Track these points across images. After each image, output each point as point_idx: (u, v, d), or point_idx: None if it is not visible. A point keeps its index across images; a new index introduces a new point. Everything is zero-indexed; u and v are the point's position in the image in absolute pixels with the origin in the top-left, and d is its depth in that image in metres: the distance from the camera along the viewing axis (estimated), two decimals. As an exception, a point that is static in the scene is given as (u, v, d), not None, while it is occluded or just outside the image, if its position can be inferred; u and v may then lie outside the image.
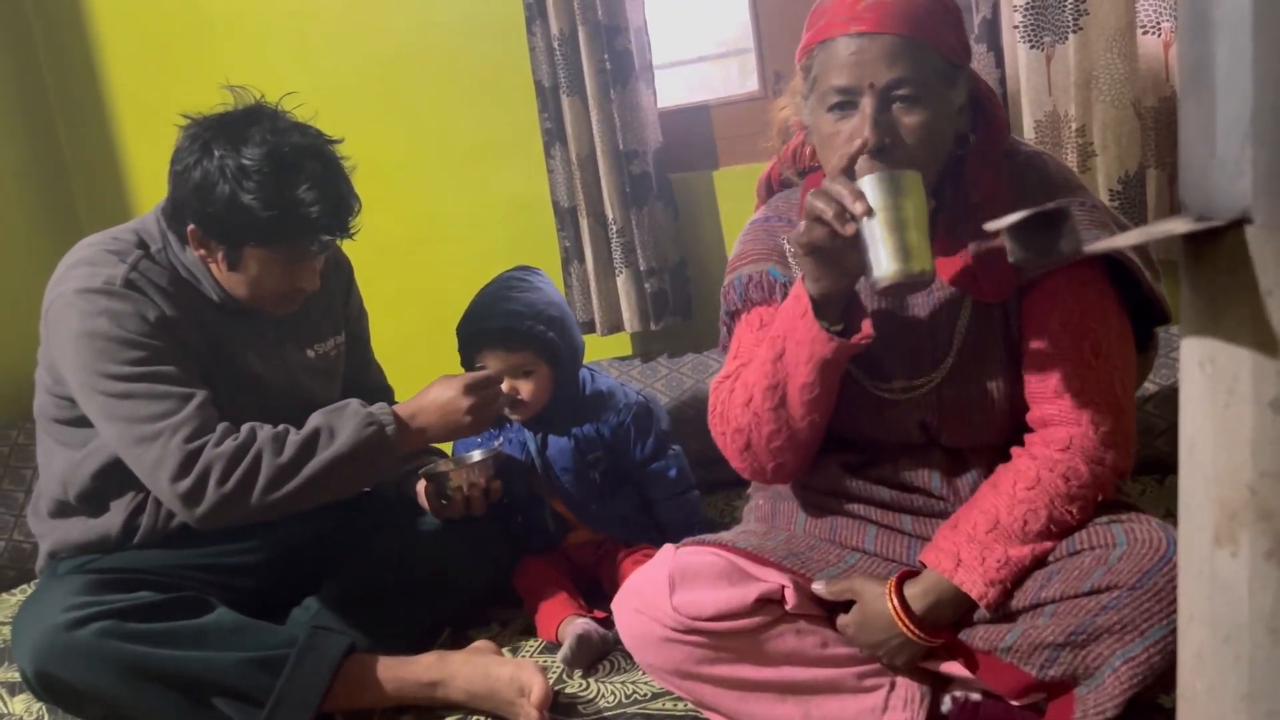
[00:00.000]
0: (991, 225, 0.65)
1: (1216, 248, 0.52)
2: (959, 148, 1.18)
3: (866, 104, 1.10)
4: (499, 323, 1.69)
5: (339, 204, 1.47)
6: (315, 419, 1.48)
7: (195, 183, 1.43)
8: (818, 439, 1.26)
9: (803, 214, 1.09)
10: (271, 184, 1.41)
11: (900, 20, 1.09)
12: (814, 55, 1.15)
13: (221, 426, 1.43)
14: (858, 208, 1.04)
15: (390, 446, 1.47)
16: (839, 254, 1.09)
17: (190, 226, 1.46)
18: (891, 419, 1.25)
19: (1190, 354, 0.55)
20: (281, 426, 1.46)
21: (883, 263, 1.04)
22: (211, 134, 1.45)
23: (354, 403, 1.51)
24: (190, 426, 1.40)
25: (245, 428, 1.45)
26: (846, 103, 1.12)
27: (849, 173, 1.13)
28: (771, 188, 1.40)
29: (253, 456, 1.41)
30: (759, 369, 1.21)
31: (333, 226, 1.47)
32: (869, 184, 1.04)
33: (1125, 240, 0.53)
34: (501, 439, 1.78)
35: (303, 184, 1.43)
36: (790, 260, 1.29)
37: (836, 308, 1.15)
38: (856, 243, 1.06)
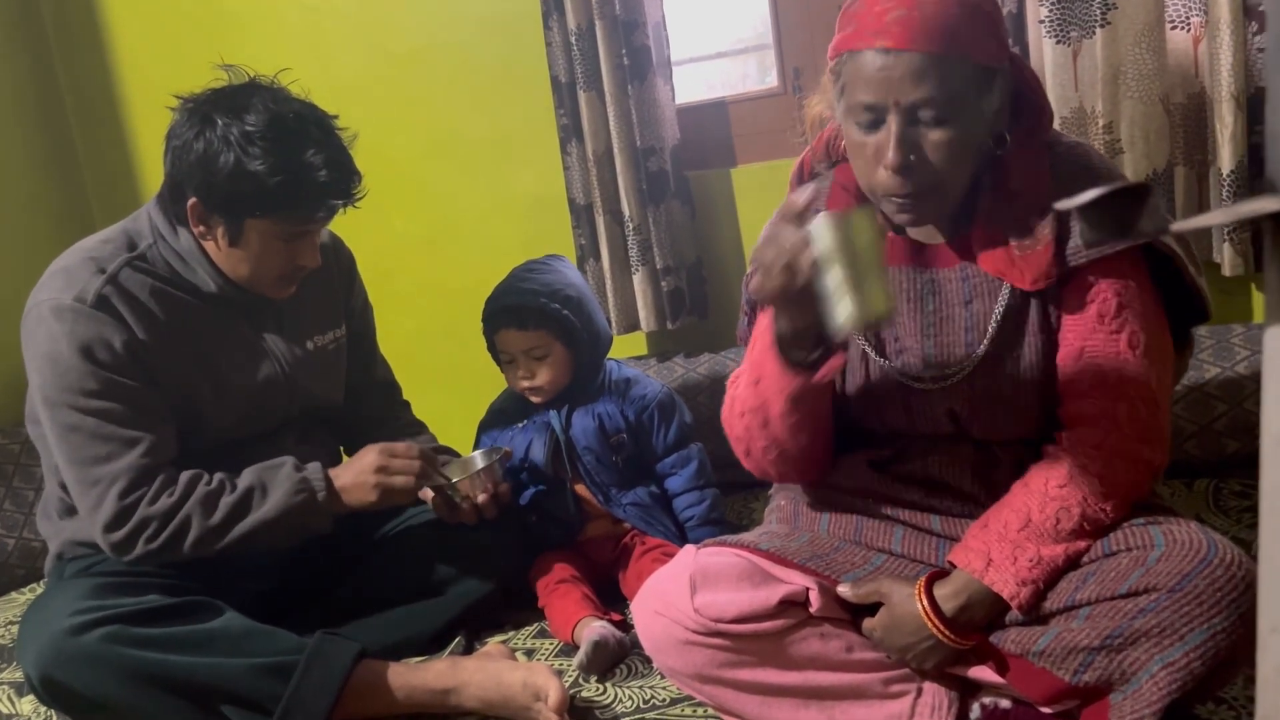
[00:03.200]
0: (1063, 204, 0.62)
1: (1309, 228, 0.49)
2: (998, 147, 1.15)
3: (892, 122, 1.09)
4: (514, 301, 1.70)
5: (346, 169, 1.46)
6: (249, 477, 1.48)
7: (198, 154, 1.41)
8: (816, 454, 1.26)
9: (755, 262, 1.08)
10: (278, 149, 1.40)
11: (928, 35, 1.05)
12: (843, 62, 1.13)
13: (160, 479, 1.44)
14: (804, 262, 1.02)
15: (319, 511, 1.49)
16: (797, 299, 1.07)
17: (191, 201, 1.44)
18: (921, 409, 1.23)
19: (1277, 344, 0.51)
20: (218, 482, 1.47)
21: (838, 311, 1.02)
22: (210, 106, 1.43)
23: (289, 463, 1.51)
24: (127, 478, 1.42)
25: (183, 481, 1.45)
26: (874, 120, 1.10)
27: (874, 189, 1.14)
28: (803, 178, 1.37)
29: (183, 517, 1.43)
30: (745, 388, 1.22)
31: (340, 191, 1.46)
32: (820, 226, 1.02)
33: (1210, 220, 0.50)
34: (526, 421, 1.77)
35: (309, 148, 1.42)
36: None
37: (806, 343, 1.13)
38: (812, 288, 1.04)
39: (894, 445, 1.27)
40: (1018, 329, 1.18)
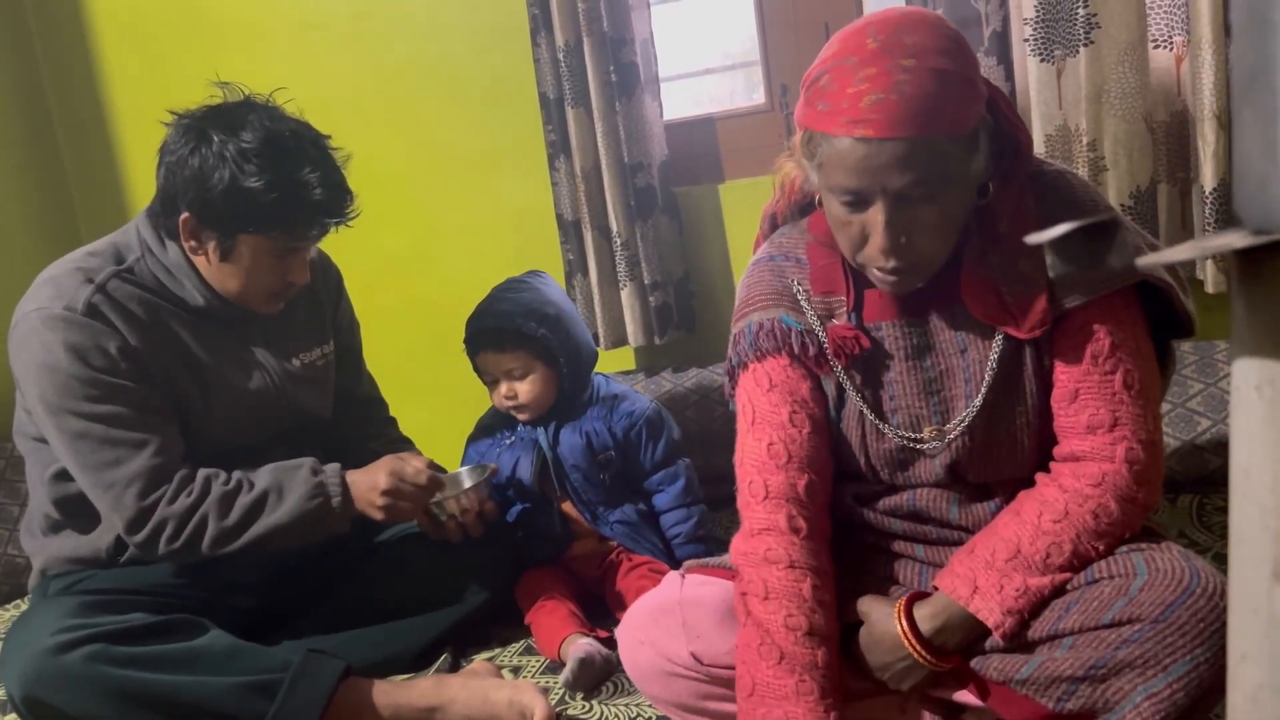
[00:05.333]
0: (1033, 238, 0.62)
1: (1276, 263, 0.49)
2: (981, 197, 1.11)
3: (880, 209, 1.04)
4: (490, 323, 1.70)
5: (340, 188, 1.47)
6: (266, 477, 1.49)
7: (193, 169, 1.41)
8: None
9: None
10: (274, 167, 1.40)
11: (908, 120, 0.99)
12: (817, 144, 1.06)
13: (178, 478, 1.45)
14: None
15: (334, 516, 1.50)
16: None
17: (184, 215, 1.44)
18: (918, 466, 1.19)
19: (1245, 377, 0.52)
20: (235, 482, 1.47)
21: None
22: (206, 122, 1.43)
23: (307, 466, 1.51)
24: (144, 480, 1.43)
25: (199, 480, 1.46)
26: (857, 201, 1.06)
27: (859, 262, 1.11)
28: (776, 222, 1.32)
29: (199, 518, 1.44)
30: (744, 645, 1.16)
31: (335, 210, 1.47)
32: None
33: (1177, 254, 0.50)
34: (513, 438, 1.76)
35: (305, 166, 1.42)
36: (803, 305, 1.20)
37: None
38: None
39: (881, 482, 1.24)
40: (1013, 375, 1.15)
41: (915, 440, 1.18)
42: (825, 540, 1.19)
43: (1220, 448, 1.72)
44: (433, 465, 1.77)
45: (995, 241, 1.12)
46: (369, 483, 1.52)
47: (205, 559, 1.47)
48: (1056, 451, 1.16)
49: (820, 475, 1.19)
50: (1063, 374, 1.13)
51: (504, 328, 1.68)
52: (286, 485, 1.48)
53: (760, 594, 1.14)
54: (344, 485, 1.50)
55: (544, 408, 1.73)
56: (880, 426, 1.18)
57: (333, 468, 1.52)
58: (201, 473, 1.46)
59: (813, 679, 1.10)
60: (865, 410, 1.18)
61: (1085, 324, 1.11)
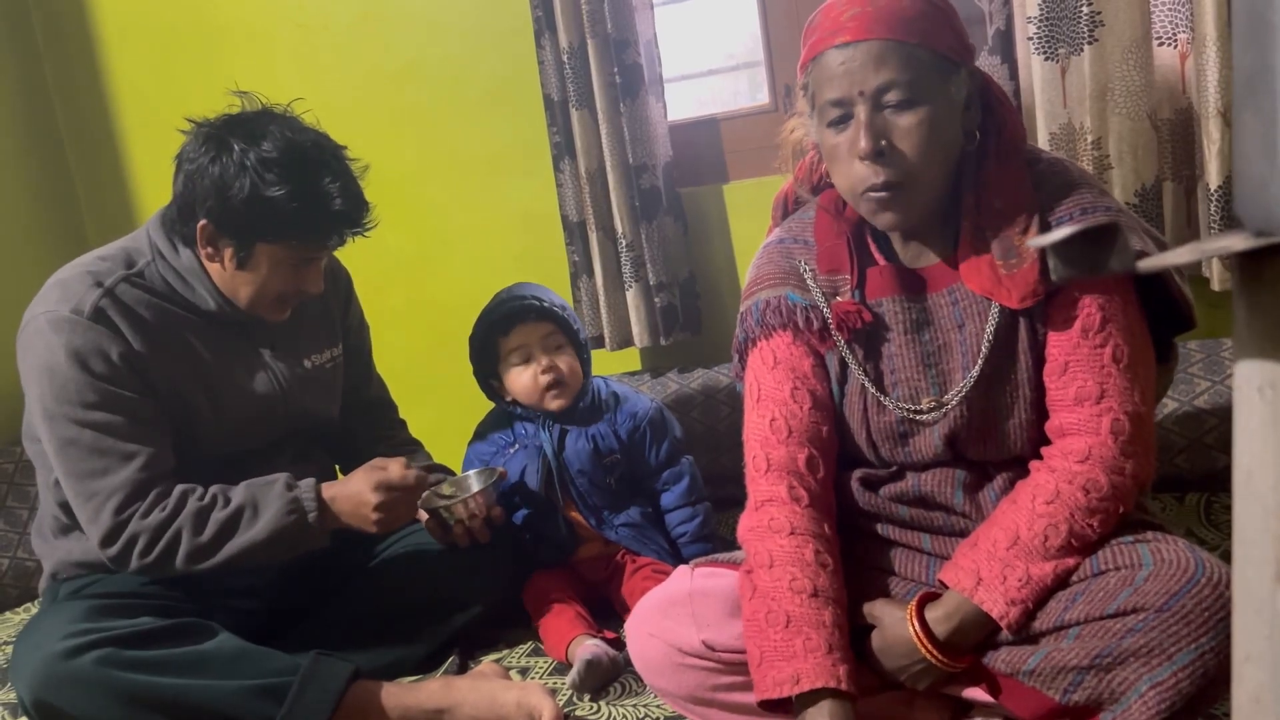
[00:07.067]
0: (1035, 242, 0.63)
1: (1277, 266, 0.49)
2: (968, 143, 1.17)
3: (860, 111, 1.11)
4: (520, 301, 1.72)
5: (359, 198, 1.48)
6: (241, 494, 1.48)
7: (213, 178, 1.42)
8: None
9: None
10: (295, 176, 1.41)
11: (883, 24, 1.09)
12: (809, 73, 1.16)
13: (155, 494, 1.44)
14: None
15: (311, 531, 1.48)
16: None
17: (202, 223, 1.45)
18: (918, 439, 1.22)
19: (1248, 379, 0.52)
20: (210, 497, 1.46)
21: None
22: (226, 131, 1.44)
23: (282, 481, 1.49)
24: (123, 494, 1.42)
25: (175, 496, 1.45)
26: (844, 115, 1.13)
27: (852, 189, 1.15)
28: (788, 208, 1.37)
29: (173, 533, 1.43)
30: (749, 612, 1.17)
31: (354, 220, 1.48)
32: None
33: (1177, 258, 0.50)
34: (516, 445, 1.76)
35: (326, 176, 1.43)
36: (809, 283, 1.25)
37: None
38: None
39: (887, 465, 1.27)
40: (1008, 348, 1.18)
41: (914, 411, 1.20)
42: (829, 513, 1.22)
43: (1228, 446, 1.71)
44: (437, 468, 1.78)
45: (992, 217, 1.16)
46: (355, 499, 1.49)
47: (179, 575, 1.46)
48: (1047, 426, 1.18)
49: (821, 451, 1.23)
50: (1054, 347, 1.16)
51: (534, 305, 1.71)
52: (261, 501, 1.47)
53: (765, 564, 1.17)
54: (319, 500, 1.49)
55: (576, 389, 1.73)
56: (881, 399, 1.21)
57: (307, 483, 1.50)
58: (178, 488, 1.45)
59: (819, 636, 1.11)
60: (867, 384, 1.22)
61: (1077, 298, 1.15)
